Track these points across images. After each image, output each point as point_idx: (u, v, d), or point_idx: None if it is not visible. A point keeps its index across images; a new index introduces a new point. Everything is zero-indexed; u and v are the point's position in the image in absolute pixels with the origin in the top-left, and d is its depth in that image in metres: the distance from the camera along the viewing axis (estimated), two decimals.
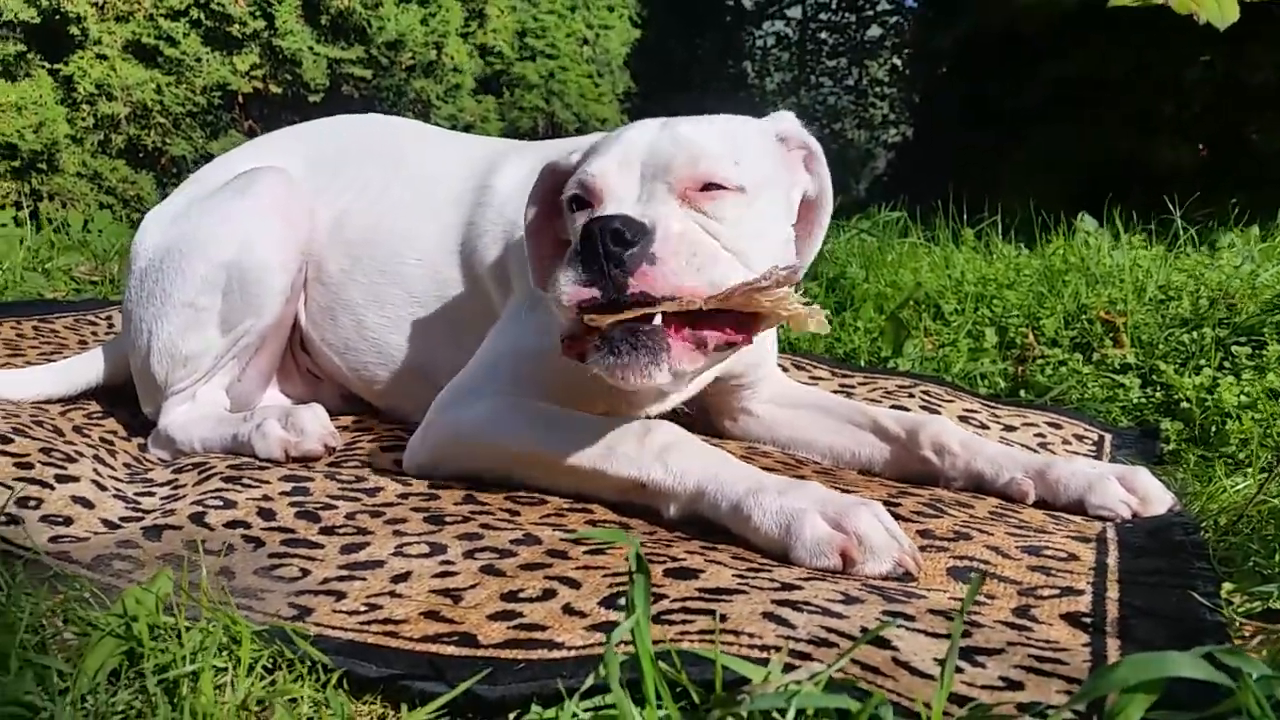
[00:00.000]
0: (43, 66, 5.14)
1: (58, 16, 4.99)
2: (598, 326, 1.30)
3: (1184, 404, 2.06)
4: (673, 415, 1.93)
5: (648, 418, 1.74)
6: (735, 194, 1.41)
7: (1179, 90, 5.45)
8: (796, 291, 1.35)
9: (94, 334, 2.68)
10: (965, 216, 4.22)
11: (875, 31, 11.72)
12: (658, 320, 1.29)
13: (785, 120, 1.60)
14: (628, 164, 1.43)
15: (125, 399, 2.04)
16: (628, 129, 1.51)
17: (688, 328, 1.31)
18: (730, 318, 1.33)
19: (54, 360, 2.19)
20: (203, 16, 5.27)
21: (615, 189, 1.41)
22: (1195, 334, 2.40)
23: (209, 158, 5.53)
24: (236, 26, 5.30)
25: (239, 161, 2.01)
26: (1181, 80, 5.38)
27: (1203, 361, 2.28)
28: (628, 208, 1.36)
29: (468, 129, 6.60)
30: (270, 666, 0.98)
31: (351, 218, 1.93)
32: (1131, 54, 5.51)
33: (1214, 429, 1.96)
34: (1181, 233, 3.61)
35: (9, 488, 1.42)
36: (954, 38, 6.95)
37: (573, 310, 1.32)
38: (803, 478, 1.48)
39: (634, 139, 1.46)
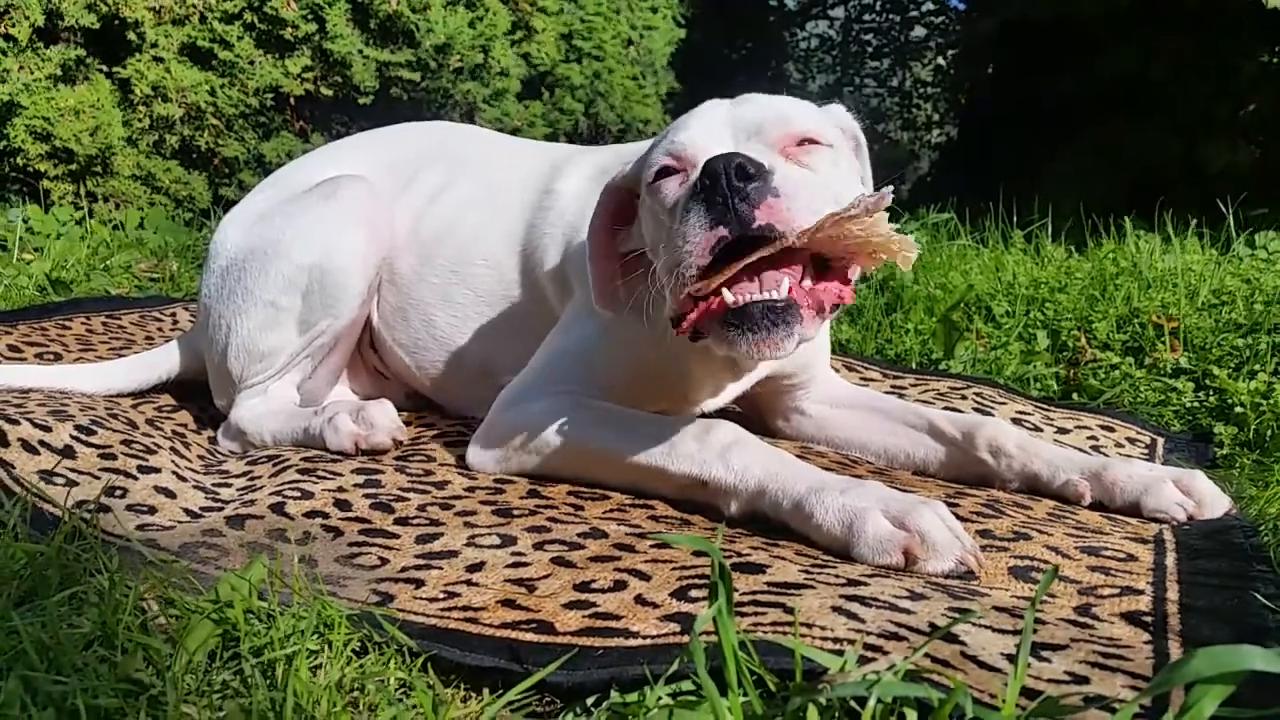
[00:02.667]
0: (101, 70, 5.26)
1: (116, 22, 5.11)
2: (717, 296, 1.29)
3: (1238, 408, 2.05)
4: (726, 414, 1.97)
5: (704, 416, 1.78)
6: (826, 149, 1.45)
7: (1234, 89, 5.37)
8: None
9: (159, 330, 2.76)
10: (1014, 218, 4.21)
11: (919, 32, 11.67)
12: (784, 289, 1.28)
13: (839, 110, 1.64)
14: (715, 131, 1.44)
15: (193, 394, 2.10)
16: (697, 110, 1.52)
17: (806, 292, 1.30)
18: (837, 272, 1.34)
19: (124, 355, 2.26)
20: (256, 20, 5.36)
21: (710, 150, 1.39)
22: (1250, 338, 2.39)
23: (261, 159, 5.65)
24: (288, 30, 5.38)
25: (315, 165, 2.08)
26: (1237, 79, 5.31)
27: (1258, 366, 2.27)
28: None
29: (514, 132, 6.66)
30: (358, 650, 1.03)
31: (424, 220, 1.99)
32: (1184, 51, 5.44)
33: (1269, 433, 1.96)
34: (1235, 236, 3.59)
35: (97, 477, 1.48)
36: (1000, 30, 6.89)
37: (703, 256, 1.28)
38: (858, 478, 1.51)
39: (711, 112, 1.48)
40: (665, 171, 1.44)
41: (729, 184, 1.27)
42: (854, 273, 1.37)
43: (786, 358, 1.36)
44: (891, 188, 1.33)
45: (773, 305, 1.28)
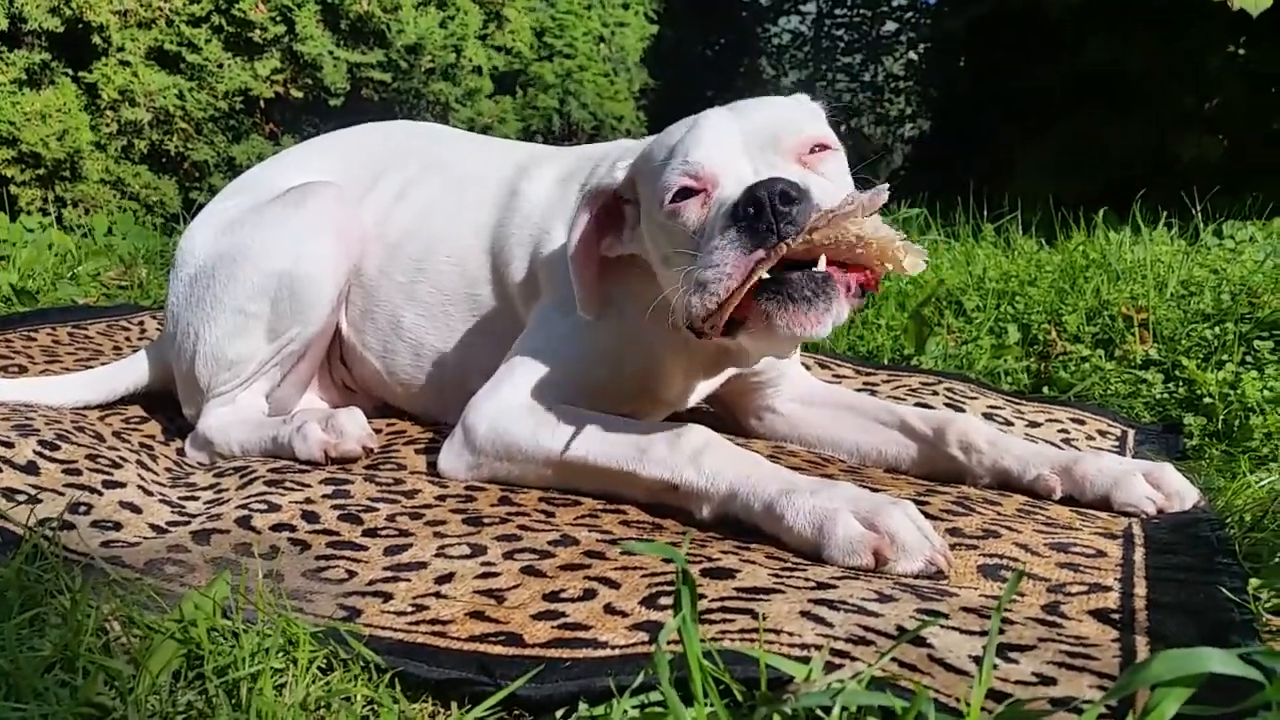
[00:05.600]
0: (66, 74, 5.20)
1: (80, 25, 5.05)
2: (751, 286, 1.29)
3: (1207, 399, 2.07)
4: (697, 415, 1.97)
5: (676, 416, 1.78)
6: (835, 153, 1.47)
7: (1202, 82, 5.42)
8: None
9: (127, 339, 2.73)
10: (985, 211, 4.23)
11: (890, 27, 11.71)
12: (821, 264, 1.28)
13: (804, 100, 1.66)
14: (728, 145, 1.44)
15: (161, 404, 2.08)
16: (698, 122, 1.51)
17: (840, 273, 1.30)
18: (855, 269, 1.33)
19: (91, 366, 2.23)
20: (224, 23, 5.31)
21: (728, 167, 1.41)
22: (1218, 329, 2.41)
23: (231, 162, 5.60)
24: (257, 32, 5.33)
25: (282, 169, 2.07)
26: (1205, 71, 5.36)
27: (1225, 357, 2.29)
28: (750, 181, 1.34)
29: (485, 130, 6.64)
30: (324, 667, 1.02)
31: (391, 220, 1.98)
32: (1153, 44, 5.49)
33: (1237, 424, 1.97)
34: (1203, 227, 3.62)
35: (61, 494, 1.46)
36: (970, 24, 6.93)
37: (736, 279, 1.29)
38: (830, 476, 1.51)
39: (717, 125, 1.47)
40: (685, 193, 1.43)
41: (774, 210, 1.28)
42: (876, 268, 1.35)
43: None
44: (887, 185, 1.33)
45: (812, 275, 1.28)
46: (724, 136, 1.45)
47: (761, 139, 1.43)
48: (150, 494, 1.56)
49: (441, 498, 1.54)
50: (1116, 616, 1.10)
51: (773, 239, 1.28)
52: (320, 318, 1.89)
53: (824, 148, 1.46)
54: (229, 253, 1.87)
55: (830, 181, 1.42)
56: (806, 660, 0.90)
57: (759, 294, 1.29)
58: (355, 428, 1.76)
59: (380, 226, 1.98)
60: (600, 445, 1.53)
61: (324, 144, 2.18)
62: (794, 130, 1.45)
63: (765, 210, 1.28)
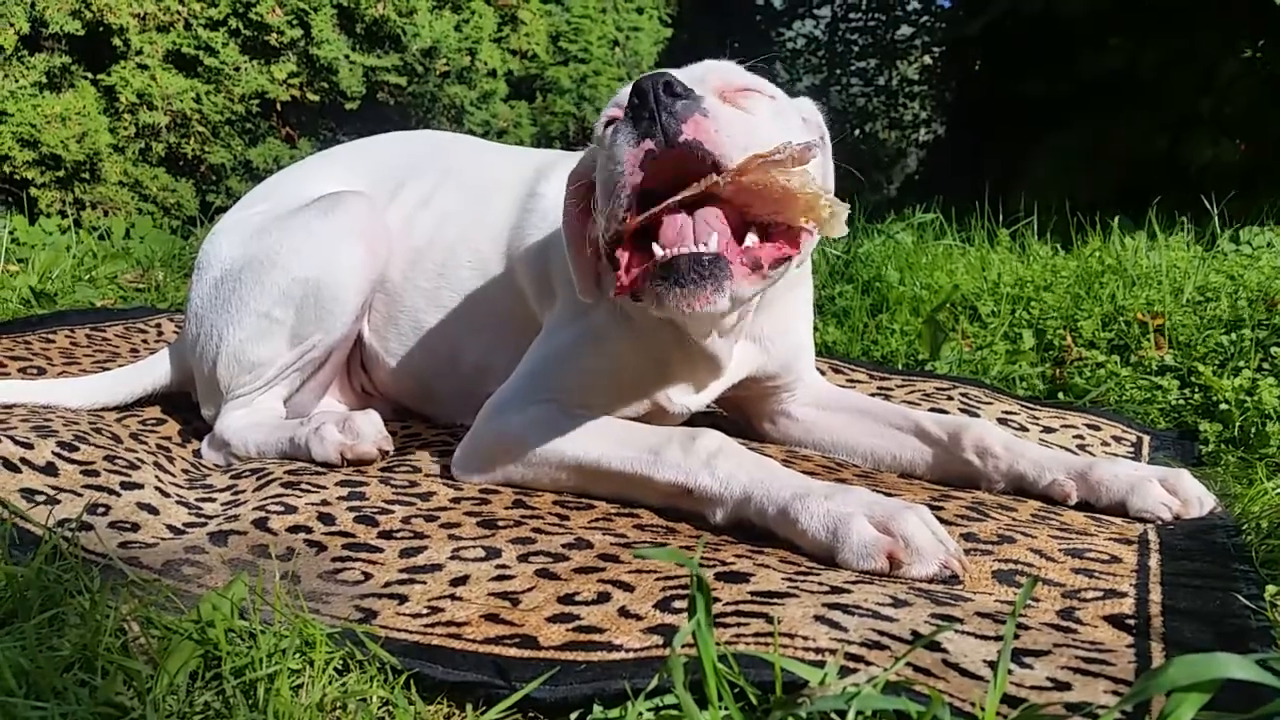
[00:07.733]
0: (86, 77, 5.24)
1: (101, 28, 5.09)
2: (646, 253, 1.30)
3: (1223, 406, 2.06)
4: (712, 419, 1.97)
5: (689, 422, 1.78)
6: (767, 99, 1.48)
7: (1216, 86, 5.40)
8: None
9: (144, 342, 2.75)
10: (1000, 216, 4.21)
11: (905, 31, 11.67)
12: (714, 244, 1.28)
13: (806, 103, 1.66)
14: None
15: (178, 406, 2.10)
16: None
17: (741, 250, 1.31)
18: (784, 234, 1.34)
19: (108, 368, 2.25)
20: (241, 26, 5.34)
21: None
22: (1234, 335, 2.40)
23: (248, 165, 5.63)
24: (274, 36, 5.36)
25: (308, 176, 2.09)
26: (1219, 75, 5.33)
27: (1242, 363, 2.28)
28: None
29: (500, 134, 6.65)
30: (341, 668, 1.02)
31: (413, 226, 2.00)
32: (1168, 47, 5.47)
33: (1254, 431, 1.96)
34: (1220, 233, 3.60)
35: (79, 495, 1.47)
36: (985, 25, 6.90)
37: (634, 174, 1.30)
38: (843, 481, 1.52)
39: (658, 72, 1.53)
40: (611, 122, 1.45)
41: (656, 99, 1.29)
42: (807, 240, 1.37)
43: (726, 318, 1.42)
44: (820, 141, 1.37)
45: (698, 258, 1.28)
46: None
47: (692, 79, 1.44)
48: (167, 495, 1.57)
49: (456, 500, 1.55)
50: (1132, 622, 1.10)
51: (655, 127, 1.29)
52: (344, 325, 1.90)
53: (754, 92, 1.48)
54: (256, 257, 1.89)
55: (753, 116, 1.42)
56: (821, 664, 0.90)
57: (652, 278, 1.30)
58: (372, 430, 1.77)
59: (403, 234, 2.00)
60: (614, 449, 1.54)
61: (347, 152, 2.20)
62: (723, 74, 1.48)
63: (647, 98, 1.29)
